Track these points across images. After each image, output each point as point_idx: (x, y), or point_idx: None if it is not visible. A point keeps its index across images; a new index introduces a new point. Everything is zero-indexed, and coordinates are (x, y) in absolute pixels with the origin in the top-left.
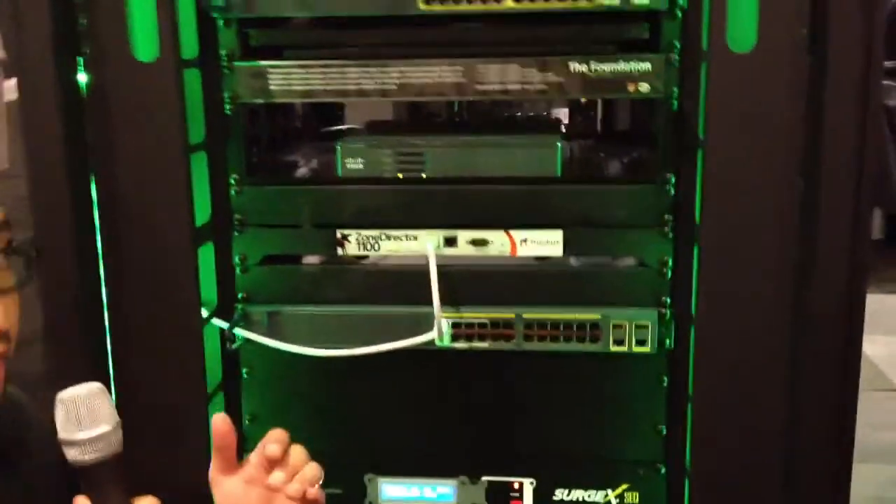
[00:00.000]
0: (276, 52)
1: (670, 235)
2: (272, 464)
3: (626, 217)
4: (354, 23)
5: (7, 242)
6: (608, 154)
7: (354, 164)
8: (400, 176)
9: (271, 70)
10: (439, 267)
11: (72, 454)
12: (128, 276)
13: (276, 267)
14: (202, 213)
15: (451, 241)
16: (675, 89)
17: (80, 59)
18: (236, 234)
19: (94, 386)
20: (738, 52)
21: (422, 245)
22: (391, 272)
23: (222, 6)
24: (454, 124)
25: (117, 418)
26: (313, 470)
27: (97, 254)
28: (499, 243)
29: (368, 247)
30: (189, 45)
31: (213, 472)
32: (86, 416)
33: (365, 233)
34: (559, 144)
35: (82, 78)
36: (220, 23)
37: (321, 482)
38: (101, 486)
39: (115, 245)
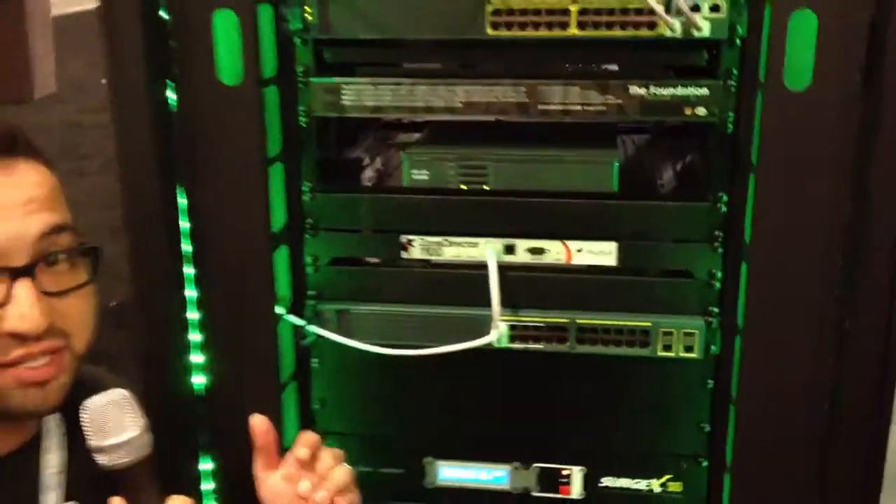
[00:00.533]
0: (348, 69)
1: (720, 250)
2: (303, 465)
3: (677, 232)
4: (424, 44)
5: (77, 244)
6: (662, 171)
7: (419, 175)
8: (463, 187)
9: (344, 86)
10: (498, 271)
11: (101, 460)
12: (212, 276)
13: (344, 268)
14: (278, 218)
15: (510, 249)
16: (731, 114)
17: (170, 82)
18: (308, 237)
19: (119, 394)
20: (794, 89)
21: (482, 252)
22: (452, 274)
23: (301, 29)
24: (516, 133)
25: (144, 423)
26: (342, 475)
27: (182, 256)
28: (555, 252)
29: (431, 252)
30: (268, 65)
31: (257, 469)
32: (112, 424)
33: (428, 238)
34: (616, 161)
35: (172, 97)
36: (298, 42)
37: (354, 482)
38: (133, 488)
39: (202, 248)
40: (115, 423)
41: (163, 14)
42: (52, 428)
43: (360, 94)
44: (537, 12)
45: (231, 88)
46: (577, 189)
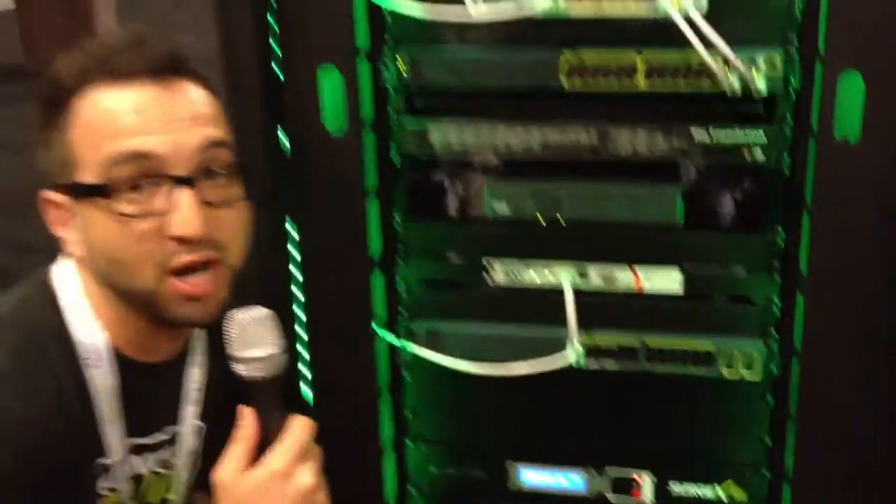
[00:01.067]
0: (436, 113)
1: (777, 279)
2: None
3: (738, 261)
4: (505, 92)
5: (232, 162)
6: (724, 203)
7: (499, 205)
8: (540, 217)
9: (432, 129)
10: (574, 295)
11: (239, 369)
12: (318, 298)
13: (433, 289)
14: (375, 245)
15: (583, 275)
16: (787, 158)
17: (282, 128)
18: (401, 261)
19: (266, 311)
20: (844, 141)
21: (558, 277)
22: (532, 297)
23: (395, 80)
24: (588, 167)
25: (283, 344)
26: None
27: (291, 277)
28: (625, 279)
29: (511, 276)
30: (366, 112)
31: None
32: (254, 338)
33: (508, 263)
34: (679, 195)
35: (285, 142)
36: (391, 91)
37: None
38: (262, 400)
39: (309, 274)
40: (258, 337)
41: (275, 70)
42: (198, 345)
43: (446, 136)
44: (608, 68)
45: (334, 134)
46: (644, 220)
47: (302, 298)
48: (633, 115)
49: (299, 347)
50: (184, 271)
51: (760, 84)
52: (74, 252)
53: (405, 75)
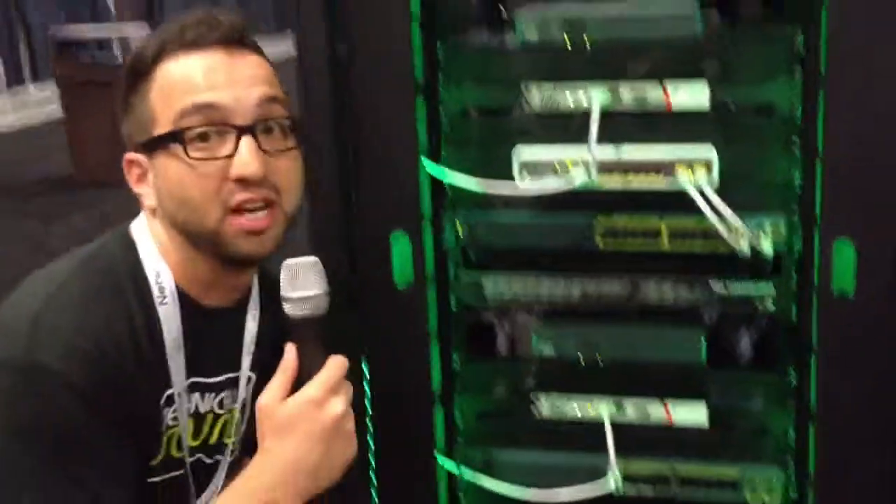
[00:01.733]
0: (488, 268)
1: (791, 413)
2: None
3: (756, 397)
4: (548, 249)
5: (287, 118)
6: (742, 342)
7: (545, 347)
8: (580, 357)
9: (486, 281)
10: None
11: (287, 308)
12: (385, 429)
13: (487, 421)
14: (436, 382)
15: (620, 409)
16: (794, 307)
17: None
18: (458, 396)
19: (313, 259)
20: (841, 295)
21: (598, 410)
22: (575, 427)
23: (453, 240)
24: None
25: (326, 288)
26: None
27: (363, 411)
28: (657, 412)
29: (556, 408)
30: (429, 268)
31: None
32: (302, 281)
33: (553, 397)
34: (702, 339)
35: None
36: (451, 249)
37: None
38: (305, 338)
39: (378, 407)
40: (305, 280)
41: (352, 232)
42: (254, 298)
43: (497, 287)
44: (636, 231)
45: (402, 287)
46: (672, 360)
47: (371, 429)
48: (659, 270)
49: (370, 474)
50: (243, 209)
51: (767, 246)
52: (149, 204)
53: (462, 237)
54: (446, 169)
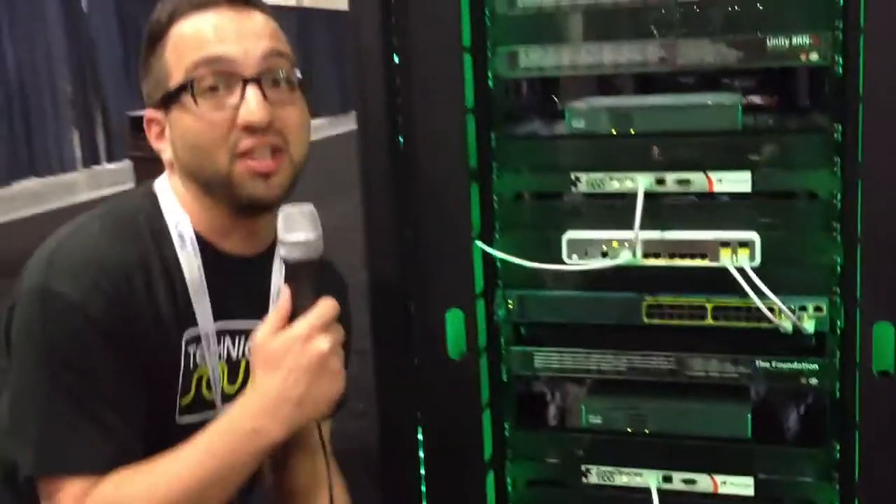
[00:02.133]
0: (539, 341)
1: (836, 486)
2: None
3: (801, 470)
4: (596, 324)
5: (292, 71)
6: (789, 417)
7: (594, 418)
8: (628, 428)
9: (536, 355)
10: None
11: (282, 252)
12: (437, 495)
13: (538, 488)
14: (487, 450)
15: (667, 479)
16: (837, 384)
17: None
18: (509, 463)
19: (308, 207)
20: (883, 373)
21: (645, 480)
22: (624, 496)
23: (504, 315)
24: (669, 386)
25: (319, 233)
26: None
27: (417, 475)
28: (704, 483)
29: (605, 478)
30: (481, 341)
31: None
32: (296, 224)
33: (602, 467)
34: (747, 414)
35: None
36: (502, 323)
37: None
38: (299, 281)
39: (430, 472)
40: (298, 224)
41: (409, 308)
42: (277, 252)
43: (547, 361)
44: (681, 309)
45: (455, 360)
46: (718, 434)
47: (425, 494)
48: (704, 346)
49: None
50: (251, 153)
51: (809, 326)
52: (167, 158)
53: (513, 312)
54: (498, 250)
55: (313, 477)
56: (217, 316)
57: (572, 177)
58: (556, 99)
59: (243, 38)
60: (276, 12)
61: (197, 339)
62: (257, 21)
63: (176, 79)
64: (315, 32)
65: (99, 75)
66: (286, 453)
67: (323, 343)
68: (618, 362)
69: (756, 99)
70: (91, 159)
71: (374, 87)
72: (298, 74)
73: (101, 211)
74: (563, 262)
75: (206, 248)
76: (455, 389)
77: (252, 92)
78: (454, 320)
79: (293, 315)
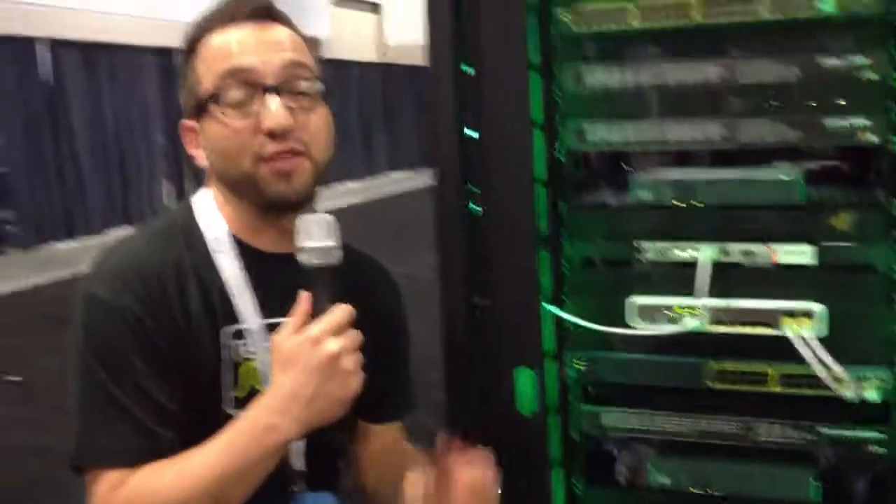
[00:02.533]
0: (607, 401)
1: None
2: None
3: None
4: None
5: (312, 81)
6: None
7: (661, 477)
8: (693, 489)
9: (604, 414)
10: None
11: (301, 258)
12: None
13: None
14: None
15: None
16: None
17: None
18: None
19: (326, 216)
20: None
21: None
22: None
23: (574, 376)
24: (734, 448)
25: (336, 243)
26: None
27: None
28: None
29: None
30: (551, 399)
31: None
32: (314, 232)
33: None
34: (813, 479)
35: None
36: (572, 382)
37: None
38: (317, 286)
39: None
40: (315, 232)
41: (482, 366)
42: None
43: (615, 420)
44: (745, 375)
45: (526, 416)
46: (783, 499)
47: None
48: (769, 412)
49: None
50: (274, 157)
51: (872, 394)
52: (202, 164)
53: (582, 373)
54: (568, 313)
55: (392, 474)
56: (264, 312)
57: (638, 245)
58: (623, 169)
59: (265, 49)
60: (362, 67)
61: (240, 334)
62: (279, 34)
63: (205, 89)
64: (397, 86)
65: None
66: (363, 455)
67: (333, 345)
68: (684, 424)
69: (818, 174)
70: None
71: (450, 160)
72: (320, 85)
73: (145, 226)
74: (630, 327)
75: (243, 247)
76: (525, 445)
77: (273, 99)
78: (525, 380)
79: (312, 319)
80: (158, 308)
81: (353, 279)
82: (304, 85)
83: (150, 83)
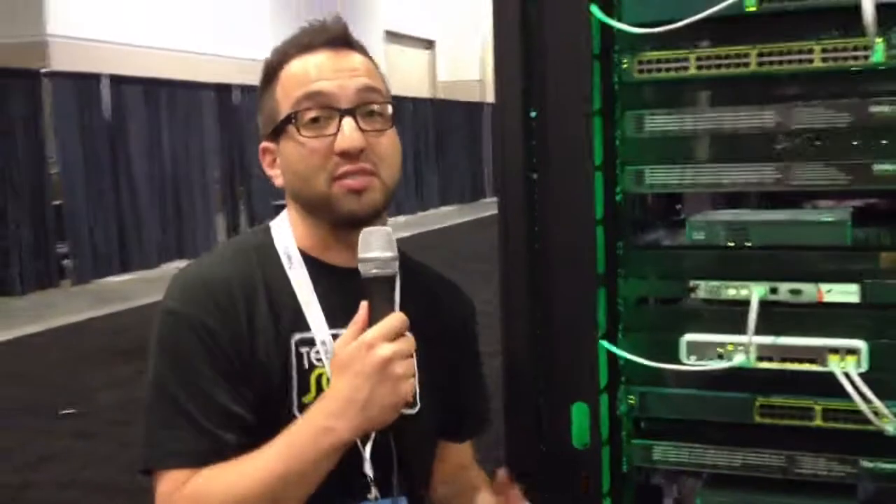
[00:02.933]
0: (659, 435)
1: None
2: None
3: None
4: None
5: (385, 106)
6: None
7: None
8: None
9: (654, 447)
10: None
11: (361, 267)
12: None
13: None
14: None
15: None
16: None
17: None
18: None
19: (385, 229)
20: None
21: None
22: None
23: (626, 410)
24: (782, 483)
25: (395, 254)
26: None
27: None
28: None
29: None
30: (604, 433)
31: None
32: (372, 243)
33: None
34: None
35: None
36: (624, 416)
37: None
38: (375, 296)
39: None
40: (377, 244)
41: (538, 399)
42: None
43: (664, 454)
44: (791, 409)
45: (579, 448)
46: None
47: None
48: (813, 445)
49: None
50: (346, 175)
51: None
52: (279, 183)
53: (634, 405)
54: (622, 349)
55: (460, 494)
56: (332, 323)
57: (691, 284)
58: (678, 210)
59: (340, 75)
60: (416, 103)
61: (310, 342)
62: (354, 60)
63: (284, 112)
64: (449, 121)
65: (245, 163)
66: (436, 471)
67: (385, 350)
68: (731, 458)
69: (864, 215)
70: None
71: (516, 199)
72: (390, 109)
73: (223, 244)
74: (681, 363)
75: (314, 262)
76: (578, 477)
77: (347, 122)
78: (580, 413)
79: (370, 327)
80: (225, 317)
81: (429, 296)
82: (376, 108)
83: (208, 119)
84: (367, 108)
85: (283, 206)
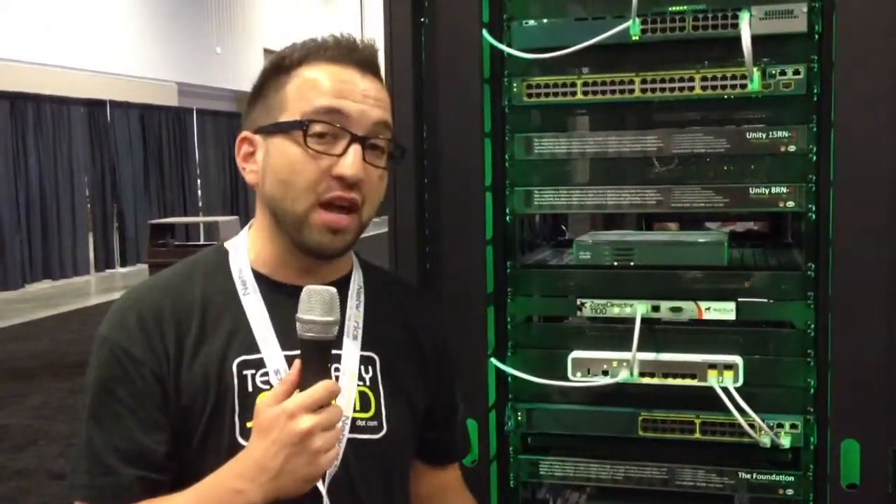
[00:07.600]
0: (544, 451)
1: None
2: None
3: None
4: (596, 437)
5: (390, 143)
6: None
7: None
8: None
9: (542, 463)
10: None
11: (298, 328)
12: None
13: None
14: None
15: None
16: (811, 495)
17: None
18: None
19: (331, 290)
20: (850, 486)
21: None
22: None
23: (514, 426)
24: (662, 495)
25: (335, 318)
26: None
27: None
28: None
29: None
30: (493, 450)
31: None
32: (316, 307)
33: None
34: None
35: None
36: (511, 433)
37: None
38: (309, 358)
39: None
40: (319, 307)
41: None
42: (355, 291)
43: (551, 469)
44: (674, 425)
45: (467, 467)
46: None
47: None
48: (693, 458)
49: None
50: (331, 205)
51: (786, 441)
52: (250, 179)
53: (522, 424)
54: (510, 367)
55: None
56: (287, 344)
57: (578, 302)
58: (565, 231)
59: (366, 101)
60: None
61: (256, 364)
62: (378, 88)
63: (293, 113)
64: None
65: (118, 182)
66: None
67: (306, 422)
68: (615, 471)
69: (742, 237)
70: (105, 263)
71: (407, 221)
72: (394, 147)
73: (180, 262)
74: (567, 379)
75: (268, 283)
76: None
77: (356, 149)
78: (469, 430)
79: (301, 391)
80: (150, 343)
81: (401, 311)
82: (382, 145)
83: (77, 136)
84: (376, 141)
85: (158, 226)
